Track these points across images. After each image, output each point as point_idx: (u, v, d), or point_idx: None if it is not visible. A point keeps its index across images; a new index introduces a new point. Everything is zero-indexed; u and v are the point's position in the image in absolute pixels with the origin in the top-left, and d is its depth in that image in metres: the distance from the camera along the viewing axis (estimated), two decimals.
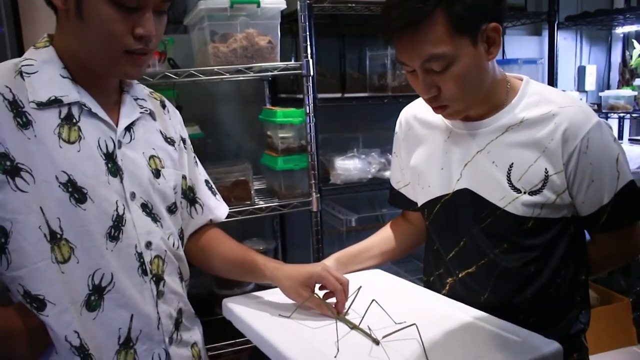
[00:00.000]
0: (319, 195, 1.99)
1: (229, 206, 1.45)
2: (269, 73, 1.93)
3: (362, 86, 2.46)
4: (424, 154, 1.35)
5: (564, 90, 1.56)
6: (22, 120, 0.98)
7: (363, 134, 2.47)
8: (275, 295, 1.29)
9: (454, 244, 1.29)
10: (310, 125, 1.95)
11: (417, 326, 1.04)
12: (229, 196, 1.89)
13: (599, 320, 2.08)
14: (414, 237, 1.51)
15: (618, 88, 3.33)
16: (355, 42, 2.61)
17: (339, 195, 2.32)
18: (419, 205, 1.39)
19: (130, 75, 1.10)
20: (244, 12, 1.86)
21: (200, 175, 1.36)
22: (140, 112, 1.16)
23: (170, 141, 1.22)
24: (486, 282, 1.25)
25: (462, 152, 1.26)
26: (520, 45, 3.08)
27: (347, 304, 1.21)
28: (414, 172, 1.38)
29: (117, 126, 1.09)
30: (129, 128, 1.12)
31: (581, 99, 3.07)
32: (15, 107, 0.98)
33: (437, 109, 1.21)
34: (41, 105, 1.00)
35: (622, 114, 3.11)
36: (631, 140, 3.27)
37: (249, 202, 1.96)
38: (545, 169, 1.16)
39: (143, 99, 1.19)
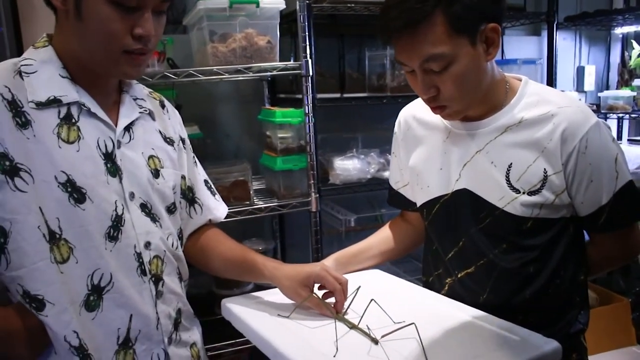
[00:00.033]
0: (318, 195, 1.99)
1: (228, 206, 1.45)
2: (268, 73, 1.93)
3: (361, 86, 2.46)
4: (423, 154, 1.35)
5: (563, 91, 1.56)
6: (21, 120, 0.98)
7: (362, 134, 2.47)
8: (274, 295, 1.29)
9: (453, 244, 1.29)
10: (309, 126, 1.95)
11: (416, 325, 1.04)
12: (228, 196, 1.89)
13: (598, 321, 2.09)
14: (413, 238, 1.51)
15: (617, 88, 3.34)
16: (355, 42, 2.61)
17: (338, 196, 2.32)
18: (418, 205, 1.39)
19: (130, 75, 1.10)
20: (243, 12, 1.86)
21: (199, 175, 1.36)
22: (140, 112, 1.16)
23: (169, 141, 1.22)
24: (485, 283, 1.25)
25: (461, 152, 1.26)
26: (519, 45, 3.08)
27: (346, 304, 1.21)
28: (413, 172, 1.38)
29: (116, 126, 1.09)
30: (128, 128, 1.12)
31: (580, 100, 3.07)
32: (15, 107, 0.98)
33: (436, 109, 1.21)
34: (40, 105, 1.00)
35: (621, 115, 3.12)
36: (630, 141, 3.28)
37: (248, 202, 1.96)
38: (544, 169, 1.16)
39: (142, 99, 1.19)
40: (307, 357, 1.00)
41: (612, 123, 3.31)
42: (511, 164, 1.19)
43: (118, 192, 1.06)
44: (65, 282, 1.00)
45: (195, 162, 1.36)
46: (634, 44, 3.17)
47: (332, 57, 2.58)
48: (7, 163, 0.96)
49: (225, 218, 1.42)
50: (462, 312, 1.18)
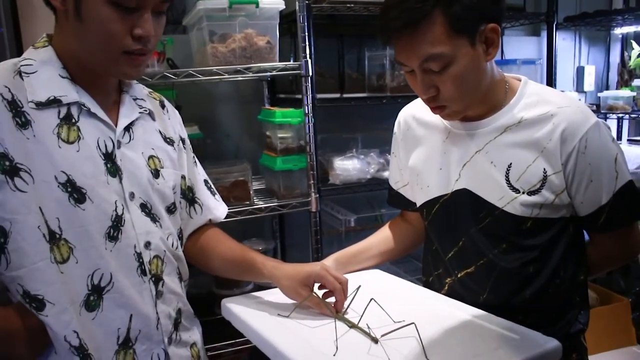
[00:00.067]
0: (318, 195, 1.99)
1: (228, 206, 1.45)
2: (268, 73, 1.93)
3: (361, 86, 2.46)
4: (423, 154, 1.35)
5: (562, 91, 1.56)
6: (21, 120, 0.98)
7: (362, 134, 2.47)
8: (274, 295, 1.30)
9: (453, 244, 1.29)
10: (309, 126, 1.95)
11: (415, 325, 1.04)
12: (228, 196, 1.89)
13: (598, 321, 2.09)
14: (412, 238, 1.51)
15: (617, 89, 3.34)
16: (354, 43, 2.61)
17: (338, 196, 2.32)
18: (418, 205, 1.39)
19: (129, 76, 1.10)
20: (243, 13, 1.86)
21: (199, 175, 1.36)
22: (140, 112, 1.16)
23: (169, 141, 1.22)
24: (485, 282, 1.25)
25: (460, 152, 1.26)
26: (518, 45, 3.08)
27: (346, 304, 1.21)
28: (413, 173, 1.38)
29: (116, 126, 1.09)
30: (128, 128, 1.12)
31: (580, 100, 3.08)
32: (14, 107, 0.98)
33: (435, 109, 1.21)
34: (40, 105, 1.00)
35: (620, 115, 3.12)
36: (630, 141, 3.28)
37: (248, 203, 1.96)
38: (544, 169, 1.17)
39: (142, 99, 1.20)
40: (307, 357, 1.00)
41: (612, 123, 3.31)
42: (511, 164, 1.19)
43: (118, 192, 1.06)
44: (65, 282, 1.00)
45: (195, 162, 1.36)
46: (634, 44, 3.17)
47: (332, 57, 2.58)
48: (7, 163, 0.96)
49: (225, 218, 1.42)
50: (462, 312, 1.18)
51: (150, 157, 1.15)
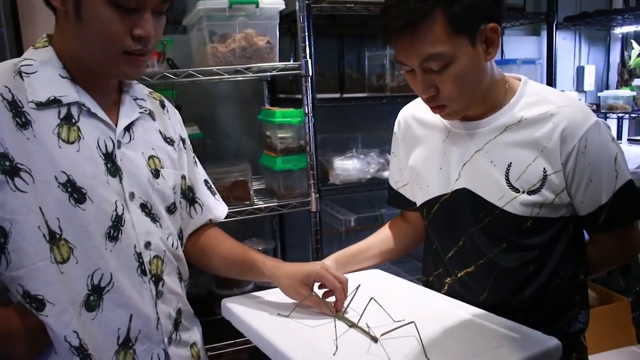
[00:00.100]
0: (318, 195, 1.99)
1: (228, 206, 1.45)
2: (268, 73, 1.93)
3: (361, 86, 2.46)
4: (423, 153, 1.35)
5: (562, 91, 1.56)
6: (22, 120, 0.98)
7: (362, 134, 2.47)
8: (274, 295, 1.30)
9: (453, 244, 1.29)
10: (309, 126, 1.95)
11: (415, 324, 1.04)
12: (228, 196, 1.89)
13: (598, 320, 2.09)
14: (412, 237, 1.51)
15: (617, 88, 3.34)
16: (354, 43, 2.61)
17: (338, 196, 2.32)
18: (418, 205, 1.39)
19: (129, 76, 1.10)
20: (243, 13, 1.86)
21: (199, 175, 1.36)
22: (140, 112, 1.16)
23: (169, 141, 1.22)
24: (485, 282, 1.25)
25: (460, 151, 1.26)
26: (518, 45, 3.08)
27: (345, 303, 1.21)
28: (413, 172, 1.38)
29: (116, 126, 1.09)
30: (128, 128, 1.12)
31: (580, 99, 3.07)
32: (15, 107, 0.98)
33: (435, 108, 1.21)
34: (40, 105, 1.00)
35: (620, 114, 3.12)
36: (630, 141, 3.28)
37: (248, 203, 1.96)
38: (544, 168, 1.17)
39: (142, 99, 1.20)
40: (307, 356, 1.00)
41: (612, 123, 3.31)
42: (511, 163, 1.19)
43: (118, 192, 1.06)
44: (66, 282, 1.00)
45: (196, 162, 1.36)
46: (634, 43, 3.17)
47: (332, 57, 2.58)
48: (7, 163, 0.96)
49: (225, 218, 1.42)
50: (461, 311, 1.18)
51: (151, 157, 1.15)
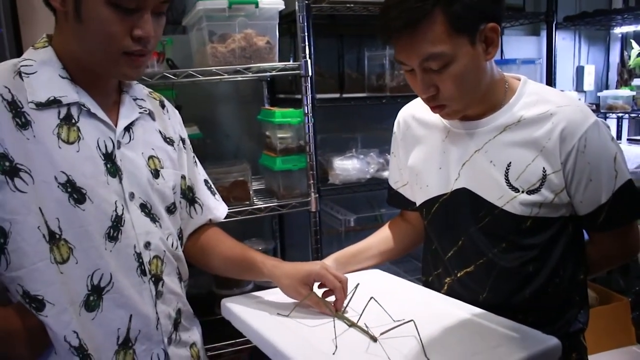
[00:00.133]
0: (317, 195, 1.99)
1: (227, 206, 1.45)
2: (268, 73, 1.93)
3: (361, 86, 2.46)
4: (422, 153, 1.35)
5: (562, 91, 1.56)
6: (21, 121, 0.98)
7: (361, 134, 2.47)
8: (273, 295, 1.30)
9: (453, 244, 1.30)
10: (308, 126, 1.95)
11: (414, 322, 1.04)
12: (228, 196, 1.89)
13: (598, 320, 2.09)
14: (412, 237, 1.51)
15: (616, 88, 3.34)
16: (354, 43, 2.61)
17: (338, 196, 2.32)
18: (417, 205, 1.39)
19: (129, 77, 1.10)
20: (243, 13, 1.86)
21: (199, 175, 1.36)
22: (140, 112, 1.16)
23: (169, 141, 1.22)
24: (485, 282, 1.25)
25: (460, 151, 1.26)
26: (518, 45, 3.08)
27: (345, 302, 1.21)
28: (412, 172, 1.38)
29: (116, 126, 1.09)
30: (128, 128, 1.12)
31: (579, 99, 3.08)
32: (15, 108, 0.98)
33: (435, 108, 1.21)
34: (40, 106, 1.00)
35: (620, 114, 3.12)
36: (630, 140, 3.28)
37: (247, 203, 1.96)
38: (543, 168, 1.17)
39: (142, 99, 1.20)
40: (306, 356, 1.00)
41: (612, 123, 3.31)
42: (510, 163, 1.19)
43: (118, 192, 1.06)
44: (65, 283, 1.00)
45: (196, 162, 1.36)
46: (633, 43, 3.17)
47: (332, 57, 2.58)
48: (7, 163, 0.96)
49: (225, 218, 1.42)
50: (461, 310, 1.18)
51: (150, 157, 1.15)
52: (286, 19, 2.03)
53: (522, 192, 1.18)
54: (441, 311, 1.19)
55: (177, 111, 1.33)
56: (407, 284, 1.40)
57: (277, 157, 2.00)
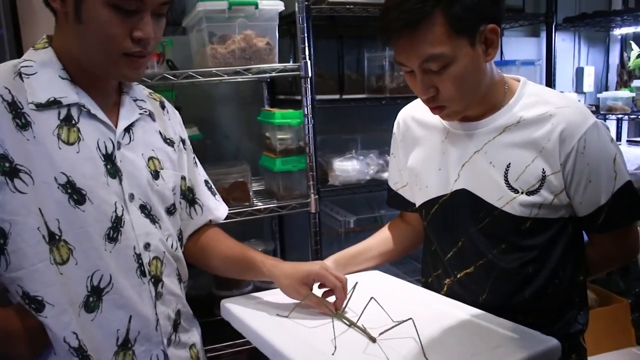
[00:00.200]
0: (317, 196, 1.99)
1: (227, 207, 1.45)
2: (267, 74, 1.93)
3: (361, 87, 2.46)
4: (422, 154, 1.35)
5: (562, 92, 1.56)
6: (21, 122, 0.98)
7: (361, 135, 2.47)
8: (273, 295, 1.30)
9: (452, 245, 1.30)
10: (308, 127, 1.95)
11: (413, 321, 1.04)
12: (228, 197, 1.89)
13: (597, 322, 2.09)
14: (412, 238, 1.51)
15: (616, 89, 3.34)
16: (354, 44, 2.61)
17: (338, 197, 2.32)
18: (417, 206, 1.39)
19: (129, 78, 1.10)
20: (242, 14, 1.86)
21: (199, 175, 1.36)
22: (140, 113, 1.16)
23: (169, 142, 1.22)
24: (484, 283, 1.25)
25: (459, 152, 1.26)
26: (518, 46, 3.08)
27: (344, 302, 1.21)
28: (412, 173, 1.38)
29: (116, 127, 1.09)
30: (128, 129, 1.12)
31: (579, 100, 3.07)
32: (15, 108, 0.98)
33: (434, 109, 1.21)
34: (40, 107, 1.00)
35: (620, 115, 3.12)
36: (629, 142, 3.28)
37: (247, 204, 1.96)
38: (543, 169, 1.17)
39: (142, 100, 1.20)
40: (305, 356, 1.01)
41: (611, 124, 3.31)
42: (509, 164, 1.19)
43: (118, 193, 1.06)
44: (65, 284, 1.00)
45: (196, 162, 1.36)
46: (633, 45, 3.17)
47: (331, 58, 2.58)
48: (7, 164, 0.96)
49: (225, 219, 1.42)
50: (460, 311, 1.18)
51: (150, 158, 1.15)
52: (286, 20, 2.03)
53: (522, 193, 1.18)
54: (440, 312, 1.19)
55: (177, 112, 1.33)
56: (406, 285, 1.40)
57: (277, 158, 1.99)
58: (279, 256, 2.54)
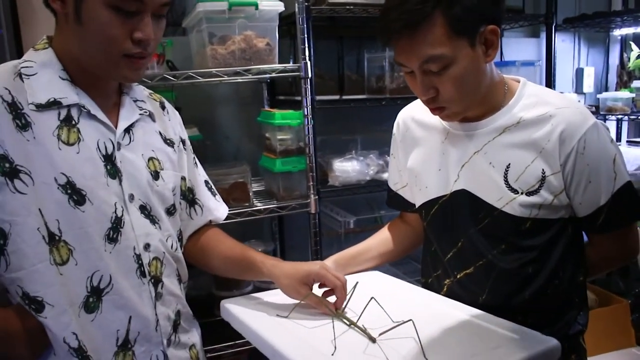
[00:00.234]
0: (317, 197, 1.99)
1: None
2: (267, 75, 1.93)
3: (360, 88, 2.46)
4: (421, 155, 1.35)
5: (561, 92, 1.56)
6: (22, 122, 0.98)
7: (361, 135, 2.47)
8: (273, 296, 1.30)
9: (452, 245, 1.30)
10: (308, 127, 1.95)
11: (413, 322, 1.04)
12: (228, 198, 1.89)
13: (597, 322, 2.09)
14: (412, 239, 1.51)
15: (616, 90, 3.34)
16: (354, 44, 2.61)
17: (337, 197, 2.32)
18: (417, 206, 1.39)
19: (129, 79, 1.10)
20: (242, 14, 1.86)
21: (199, 176, 1.36)
22: (140, 114, 1.16)
23: (169, 142, 1.23)
24: (484, 283, 1.25)
25: (459, 153, 1.26)
26: (518, 47, 3.08)
27: (344, 303, 1.21)
28: (412, 174, 1.38)
29: (116, 128, 1.09)
30: (128, 130, 1.12)
31: (579, 101, 3.08)
32: (15, 109, 0.98)
33: (434, 110, 1.21)
34: (40, 107, 1.00)
35: (620, 116, 3.12)
36: (629, 142, 3.28)
37: (247, 204, 1.96)
38: (542, 169, 1.17)
39: (142, 101, 1.20)
40: (305, 357, 1.01)
41: (611, 125, 3.31)
42: (509, 164, 1.19)
43: (118, 194, 1.07)
44: (65, 284, 1.00)
45: (196, 163, 1.36)
46: (633, 45, 3.17)
47: (331, 59, 2.58)
48: (7, 165, 0.96)
49: (225, 219, 1.42)
50: (460, 312, 1.18)
51: (150, 158, 1.15)
52: (286, 20, 2.04)
53: (522, 193, 1.18)
54: (440, 312, 1.19)
55: (177, 112, 1.34)
56: (406, 285, 1.40)
57: (277, 158, 2.00)
58: (278, 257, 2.54)
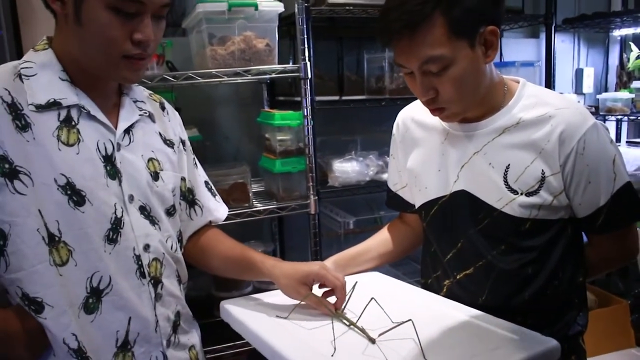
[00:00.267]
0: (317, 197, 1.99)
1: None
2: (267, 76, 1.93)
3: (360, 89, 2.46)
4: (421, 155, 1.35)
5: (561, 93, 1.56)
6: (21, 123, 0.98)
7: (361, 136, 2.47)
8: (272, 297, 1.30)
9: (452, 246, 1.30)
10: (308, 128, 1.95)
11: (413, 322, 1.04)
12: (227, 199, 1.89)
13: (597, 323, 2.08)
14: (411, 239, 1.51)
15: (615, 90, 3.34)
16: (353, 45, 2.61)
17: (337, 198, 2.32)
18: (416, 207, 1.39)
19: (129, 80, 1.10)
20: (242, 15, 1.86)
21: (199, 176, 1.36)
22: (140, 115, 1.16)
23: (169, 143, 1.23)
24: (484, 284, 1.25)
25: (458, 153, 1.26)
26: (517, 48, 3.08)
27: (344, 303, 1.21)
28: (411, 174, 1.38)
29: (116, 129, 1.09)
30: (128, 130, 1.12)
31: (579, 102, 3.08)
32: (14, 110, 0.98)
33: (434, 111, 1.21)
34: (40, 108, 1.00)
35: (619, 117, 3.12)
36: (629, 143, 3.28)
37: (247, 205, 1.96)
38: (542, 170, 1.17)
39: (142, 101, 1.20)
40: (305, 358, 1.01)
41: (611, 125, 3.31)
42: (509, 165, 1.19)
43: (117, 194, 1.06)
44: (64, 285, 1.00)
45: (196, 163, 1.36)
46: (632, 46, 3.17)
47: (331, 59, 2.58)
48: (7, 166, 0.96)
49: (225, 220, 1.42)
50: (460, 312, 1.18)
51: (150, 159, 1.15)
52: (286, 21, 2.04)
53: (521, 194, 1.18)
54: (440, 313, 1.19)
55: (177, 113, 1.33)
56: (406, 286, 1.40)
57: (277, 159, 2.00)
58: (278, 257, 2.52)
